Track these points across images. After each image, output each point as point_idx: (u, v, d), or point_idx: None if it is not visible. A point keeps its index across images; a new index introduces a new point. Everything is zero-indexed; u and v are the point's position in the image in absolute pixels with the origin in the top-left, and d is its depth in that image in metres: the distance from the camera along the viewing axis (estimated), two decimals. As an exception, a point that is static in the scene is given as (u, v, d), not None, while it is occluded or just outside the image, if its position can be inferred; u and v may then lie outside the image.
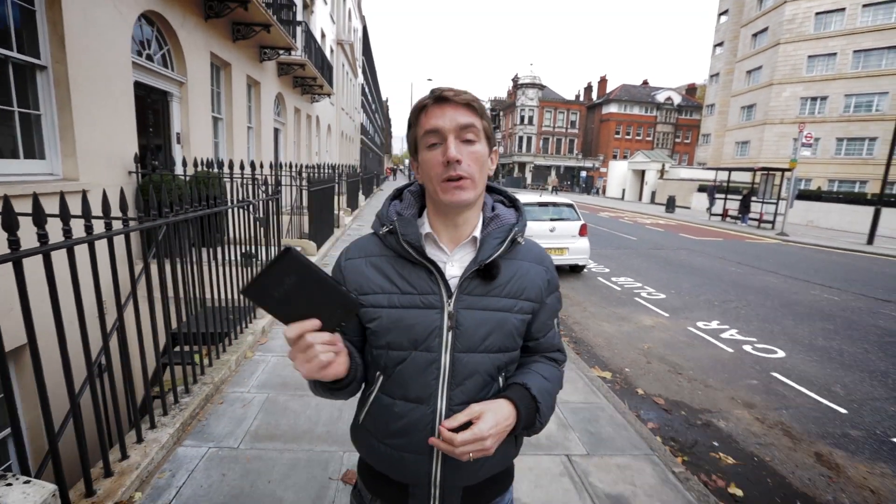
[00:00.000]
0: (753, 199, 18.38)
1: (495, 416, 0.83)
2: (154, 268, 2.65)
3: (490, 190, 1.02)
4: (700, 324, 5.77)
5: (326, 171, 9.09)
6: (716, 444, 3.23)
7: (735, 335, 5.41)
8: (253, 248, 4.38)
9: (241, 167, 4.42)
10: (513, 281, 0.92)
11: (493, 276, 0.89)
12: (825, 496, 2.74)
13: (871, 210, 14.41)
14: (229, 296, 3.68)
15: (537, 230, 7.51)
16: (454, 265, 0.91)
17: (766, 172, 18.28)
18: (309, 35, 11.74)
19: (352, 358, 0.87)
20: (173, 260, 2.72)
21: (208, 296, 3.36)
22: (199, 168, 4.76)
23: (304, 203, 7.55)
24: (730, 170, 20.44)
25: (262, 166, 5.35)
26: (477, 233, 0.92)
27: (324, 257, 7.73)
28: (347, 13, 23.22)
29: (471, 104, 0.86)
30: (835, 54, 28.15)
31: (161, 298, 2.57)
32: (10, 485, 1.54)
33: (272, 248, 4.87)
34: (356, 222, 12.89)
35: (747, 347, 5.03)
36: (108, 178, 4.24)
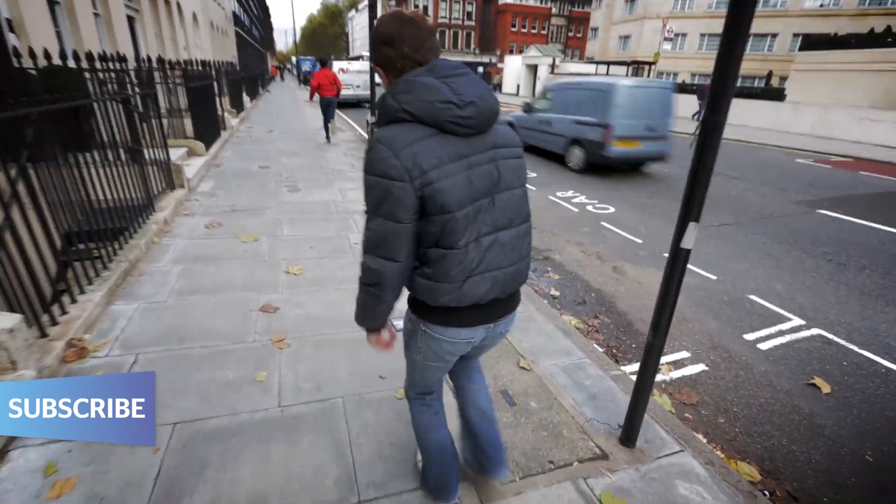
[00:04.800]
0: (626, 91, 20.27)
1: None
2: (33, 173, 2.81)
3: None
4: (559, 193, 7.04)
5: (201, 67, 8.43)
6: (549, 269, 4.42)
7: (583, 199, 6.75)
8: (138, 146, 4.42)
9: (104, 59, 4.22)
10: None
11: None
12: (610, 288, 4.05)
13: (712, 98, 16.94)
14: (123, 195, 3.83)
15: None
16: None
17: (637, 66, 20.04)
18: None
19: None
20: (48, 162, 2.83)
21: (102, 197, 3.51)
22: (55, 61, 4.40)
23: (183, 103, 7.16)
24: (608, 63, 22.01)
25: (125, 60, 5.03)
26: None
27: (214, 158, 7.59)
28: None
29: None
30: (705, -53, 29.69)
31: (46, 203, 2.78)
32: (-17, 311, 1.97)
33: (157, 150, 4.88)
34: (244, 124, 12.21)
35: (589, 207, 6.38)
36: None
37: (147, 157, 4.61)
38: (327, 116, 9.82)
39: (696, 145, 1.64)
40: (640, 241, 5.17)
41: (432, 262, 1.18)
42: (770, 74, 26.55)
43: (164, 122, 6.69)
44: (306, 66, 40.90)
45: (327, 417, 2.16)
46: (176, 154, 6.15)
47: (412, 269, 1.23)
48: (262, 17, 54.05)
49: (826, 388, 2.78)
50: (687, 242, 1.78)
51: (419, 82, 1.10)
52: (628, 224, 5.71)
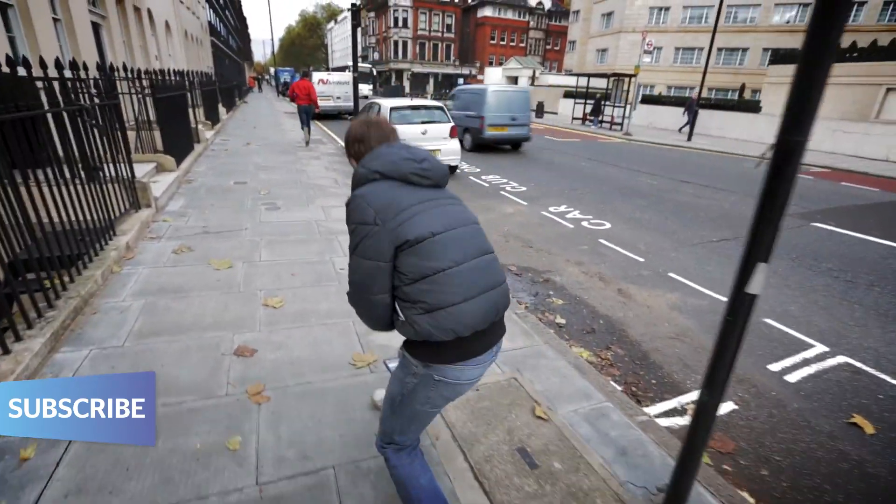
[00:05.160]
0: (606, 103, 20.47)
1: None
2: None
3: None
4: (551, 208, 6.79)
5: (174, 77, 7.96)
6: (551, 292, 4.12)
7: (577, 215, 6.52)
8: (97, 162, 3.97)
9: (59, 66, 3.78)
10: None
11: None
12: (619, 314, 3.77)
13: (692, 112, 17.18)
14: (79, 217, 3.39)
15: (409, 133, 7.73)
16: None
17: (617, 78, 20.25)
18: None
19: None
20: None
21: (55, 218, 3.08)
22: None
23: (152, 114, 6.68)
24: (588, 76, 22.18)
25: (85, 68, 4.58)
26: None
27: (186, 174, 7.11)
28: None
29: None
30: (677, -35, 30.59)
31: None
32: None
33: (121, 165, 4.44)
34: (219, 136, 11.69)
35: (584, 223, 6.14)
36: None
37: (108, 174, 4.16)
38: (302, 121, 11.16)
39: (767, 174, 1.35)
40: (641, 259, 4.93)
41: (425, 294, 1.25)
42: (743, 87, 27.32)
43: (131, 135, 6.21)
44: (285, 77, 40.39)
45: (316, 497, 1.77)
46: (143, 170, 5.68)
47: (407, 321, 1.28)
48: (240, 28, 53.33)
49: (869, 429, 2.53)
50: (754, 287, 1.48)
51: (382, 150, 1.39)
52: (627, 241, 5.48)
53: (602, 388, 2.64)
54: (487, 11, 50.54)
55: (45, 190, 3.01)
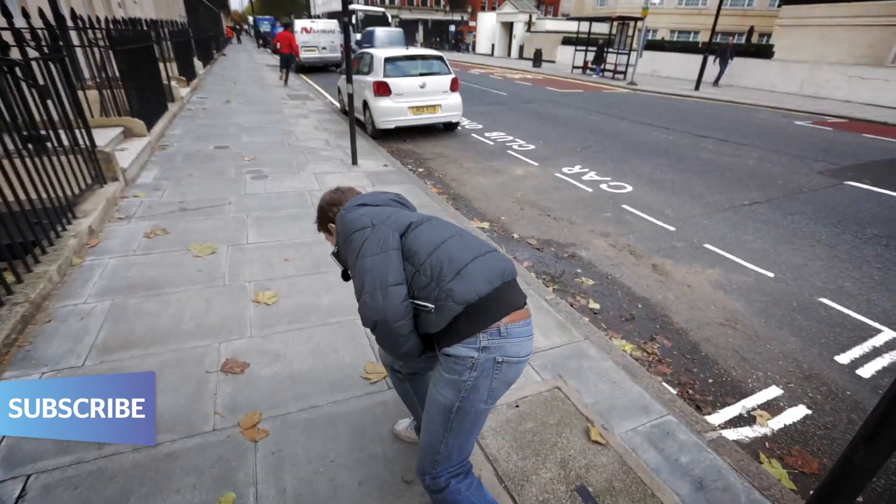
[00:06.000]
0: (609, 50, 19.26)
1: None
2: None
3: None
4: (565, 169, 6.23)
5: (139, 27, 7.01)
6: (579, 270, 3.67)
7: (594, 176, 5.97)
8: (42, 130, 3.33)
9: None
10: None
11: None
12: (658, 296, 3.35)
13: (700, 59, 16.12)
14: (25, 196, 2.83)
15: (406, 86, 7.00)
16: None
17: (621, 22, 18.94)
18: None
19: None
20: None
21: None
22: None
23: (116, 71, 5.86)
24: (591, 20, 20.76)
25: (27, 16, 3.82)
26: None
27: (159, 139, 6.39)
28: None
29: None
30: None
31: None
32: None
33: (75, 130, 3.79)
34: (197, 94, 10.72)
35: (603, 186, 5.62)
36: None
37: (62, 143, 3.53)
38: (282, 65, 13.00)
39: None
40: (671, 228, 4.46)
41: (443, 264, 1.22)
42: (751, 30, 25.93)
43: (91, 95, 5.45)
44: (265, 27, 37.79)
45: (335, 582, 1.38)
46: (108, 136, 4.99)
47: (440, 299, 1.21)
48: (211, -29, 49.30)
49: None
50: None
51: (362, 195, 1.50)
52: (652, 206, 4.99)
53: (659, 397, 2.25)
54: (479, -50, 46.94)
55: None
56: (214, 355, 2.26)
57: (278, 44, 13.19)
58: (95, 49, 5.62)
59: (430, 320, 1.23)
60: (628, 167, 6.41)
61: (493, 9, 39.91)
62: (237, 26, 55.67)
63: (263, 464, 1.72)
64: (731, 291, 3.42)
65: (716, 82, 16.73)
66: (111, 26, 5.51)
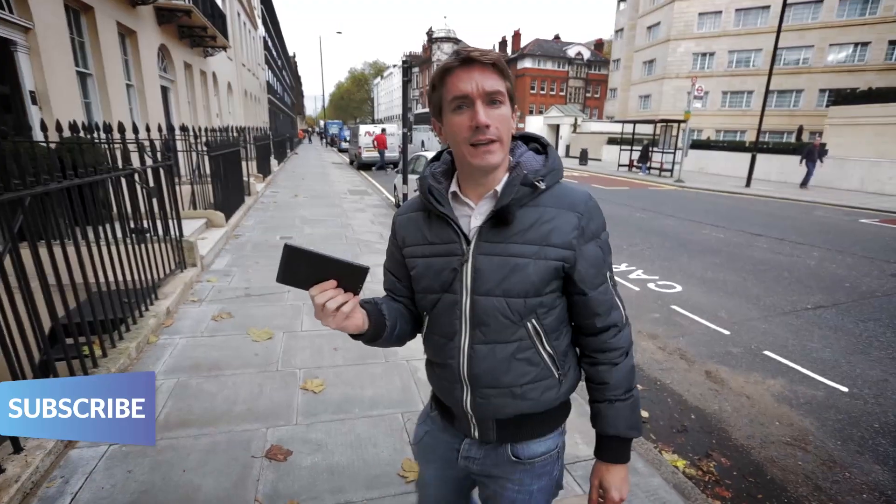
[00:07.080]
0: (654, 149, 19.91)
1: (613, 482, 1.04)
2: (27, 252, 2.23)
3: (527, 139, 1.06)
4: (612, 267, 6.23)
5: (232, 134, 8.27)
6: (625, 373, 3.55)
7: (641, 275, 5.93)
8: (145, 222, 3.91)
9: (121, 130, 3.82)
10: (535, 227, 0.93)
11: (506, 222, 0.92)
12: (713, 406, 3.14)
13: (748, 156, 16.27)
14: (122, 277, 3.27)
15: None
16: (477, 217, 0.96)
17: (665, 124, 19.77)
18: (192, -24, 10.26)
19: (381, 314, 1.00)
20: (48, 240, 2.33)
21: (100, 279, 2.95)
22: (66, 133, 4.03)
23: (207, 170, 6.84)
24: (634, 122, 21.83)
25: (147, 130, 4.70)
26: (499, 186, 0.95)
27: (234, 228, 7.15)
28: (238, -47, 20.60)
29: (496, 64, 0.87)
30: (720, 12, 30.52)
31: (41, 287, 2.19)
32: None
33: (171, 221, 4.39)
34: (269, 188, 12.04)
35: (651, 285, 5.54)
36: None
37: (158, 233, 4.09)
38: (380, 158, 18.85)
39: None
40: (726, 332, 4.27)
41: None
42: (801, 129, 26.07)
43: (185, 189, 6.34)
44: (333, 129, 42.67)
45: None
46: (193, 227, 5.69)
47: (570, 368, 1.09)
48: (294, 85, 57.53)
49: None
50: None
51: None
52: (704, 307, 4.83)
53: (718, 526, 2.04)
54: (527, 63, 52.04)
55: (95, 250, 2.91)
56: (261, 440, 2.36)
57: (376, 141, 18.78)
58: (194, 153, 6.64)
59: (562, 378, 1.07)
60: (677, 266, 6.33)
61: (541, 113, 43.01)
62: (309, 129, 63.15)
63: (296, 562, 1.72)
64: (798, 406, 3.15)
65: (803, 184, 15.40)
66: (209, 136, 6.53)
